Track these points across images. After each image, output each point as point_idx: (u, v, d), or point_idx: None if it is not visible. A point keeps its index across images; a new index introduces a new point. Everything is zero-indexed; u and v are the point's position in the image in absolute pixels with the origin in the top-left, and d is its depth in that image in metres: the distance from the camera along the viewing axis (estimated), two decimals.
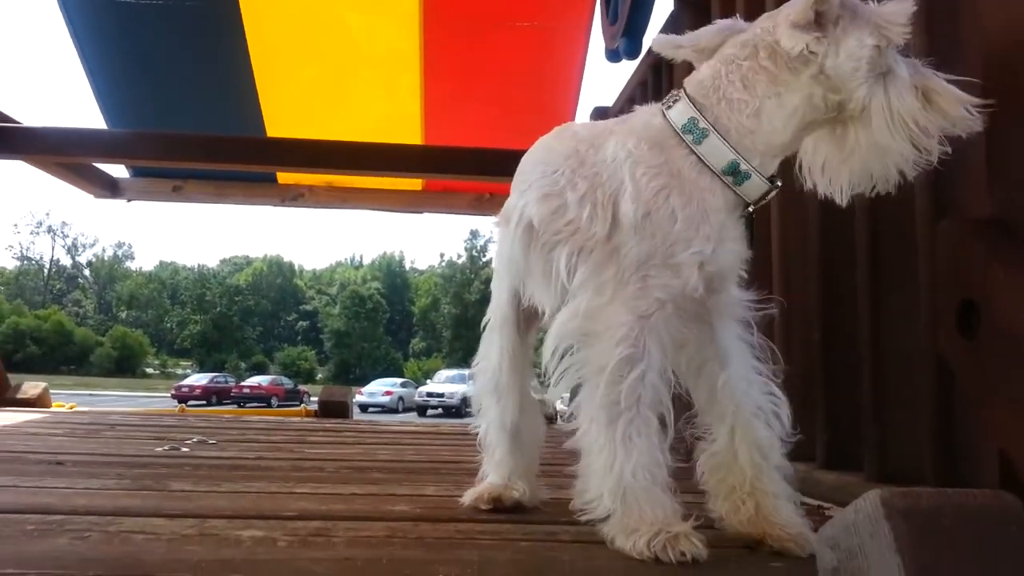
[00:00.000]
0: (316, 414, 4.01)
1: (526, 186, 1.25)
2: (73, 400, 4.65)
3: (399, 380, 33.69)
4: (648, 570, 0.94)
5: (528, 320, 1.34)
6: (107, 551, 0.97)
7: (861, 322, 1.40)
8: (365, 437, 2.62)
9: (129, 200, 4.58)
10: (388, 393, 28.66)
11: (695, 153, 1.09)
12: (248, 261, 67.14)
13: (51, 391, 3.76)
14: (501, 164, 1.76)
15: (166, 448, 2.10)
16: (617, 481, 1.01)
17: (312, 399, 19.71)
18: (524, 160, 1.33)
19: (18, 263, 63.39)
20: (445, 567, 0.93)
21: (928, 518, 0.72)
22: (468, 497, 1.34)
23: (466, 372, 33.10)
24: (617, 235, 1.09)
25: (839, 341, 1.50)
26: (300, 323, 63.14)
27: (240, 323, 54.47)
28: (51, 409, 3.53)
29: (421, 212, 4.91)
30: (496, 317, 1.35)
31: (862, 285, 1.40)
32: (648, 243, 1.06)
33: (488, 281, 1.43)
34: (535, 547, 1.07)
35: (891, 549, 0.71)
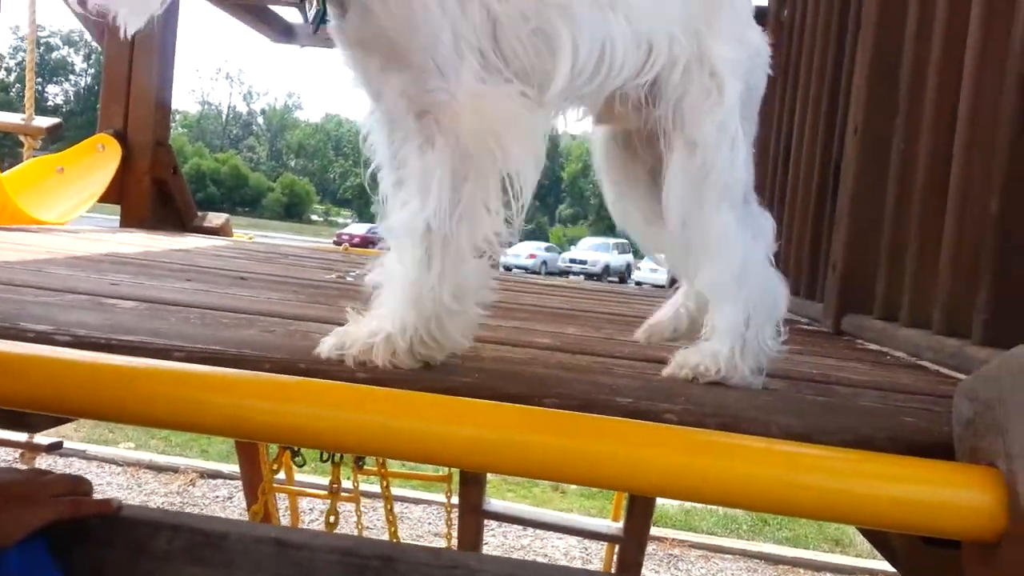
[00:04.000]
0: None
1: None
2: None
3: (544, 244, 34.17)
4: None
5: None
6: (289, 342, 1.12)
7: None
8: (511, 284, 2.75)
9: (303, 46, 4.77)
10: (532, 256, 29.22)
11: None
12: None
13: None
14: None
15: (334, 276, 2.30)
16: None
17: None
18: None
19: (200, 107, 67.82)
20: (582, 386, 1.00)
21: None
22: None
23: (611, 241, 33.14)
24: None
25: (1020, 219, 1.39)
26: None
27: None
28: (232, 238, 3.89)
29: None
30: None
31: None
32: None
33: None
34: (665, 380, 1.13)
35: None
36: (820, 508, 0.75)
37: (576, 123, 1.26)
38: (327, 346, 1.00)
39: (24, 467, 3.88)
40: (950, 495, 0.73)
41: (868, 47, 2.03)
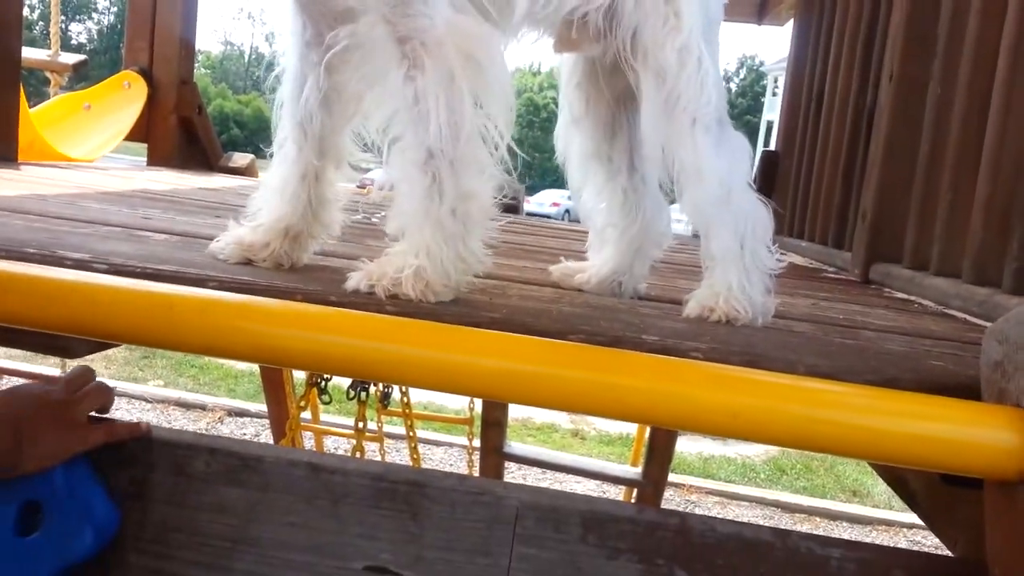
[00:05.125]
0: None
1: None
2: None
3: (567, 193, 33.99)
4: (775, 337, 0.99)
5: None
6: (319, 276, 1.13)
7: None
8: (535, 229, 2.75)
9: None
10: (555, 204, 29.11)
11: None
12: None
13: None
14: None
15: (359, 217, 2.31)
16: None
17: None
18: None
19: (222, 48, 67.36)
20: (608, 323, 1.01)
21: None
22: None
23: None
24: None
25: None
26: None
27: None
28: (257, 179, 3.90)
29: None
30: None
31: None
32: None
33: None
34: (691, 320, 1.14)
35: None
36: (847, 445, 0.76)
37: (536, 46, 1.27)
38: (355, 281, 1.02)
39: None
40: (976, 434, 0.74)
41: None
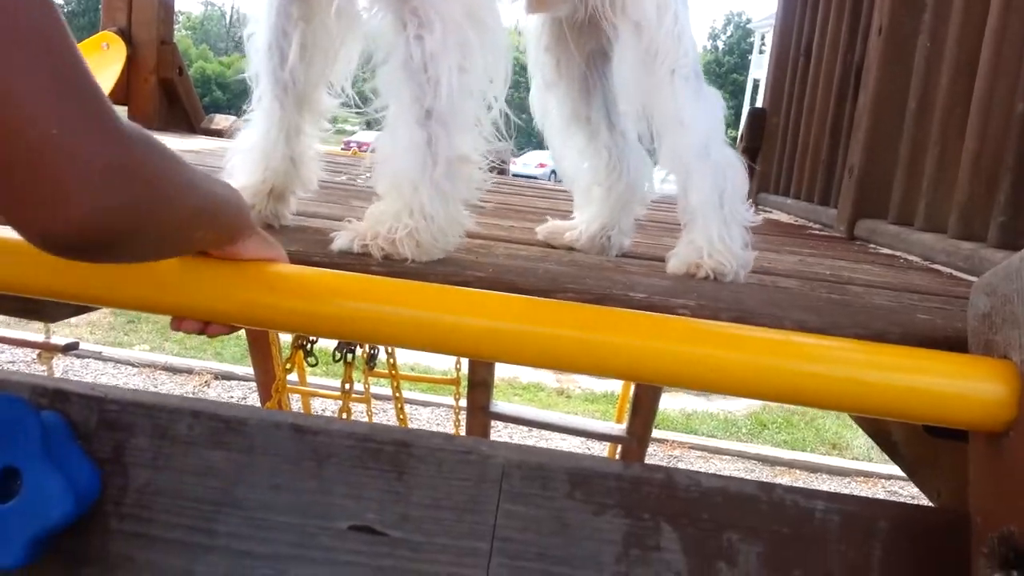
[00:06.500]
0: None
1: None
2: None
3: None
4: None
5: None
6: (303, 236, 1.12)
7: None
8: (522, 190, 2.73)
9: None
10: (541, 165, 28.93)
11: None
12: None
13: None
14: None
15: (345, 178, 2.28)
16: None
17: None
18: None
19: (203, 8, 65.94)
20: (595, 282, 1.00)
21: None
22: None
23: None
24: None
25: None
26: None
27: None
28: None
29: None
30: None
31: None
32: None
33: None
34: (680, 276, 1.13)
35: None
36: (835, 398, 0.75)
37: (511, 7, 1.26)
38: (345, 241, 1.00)
39: (43, 367, 3.96)
40: (964, 386, 0.73)
41: None
